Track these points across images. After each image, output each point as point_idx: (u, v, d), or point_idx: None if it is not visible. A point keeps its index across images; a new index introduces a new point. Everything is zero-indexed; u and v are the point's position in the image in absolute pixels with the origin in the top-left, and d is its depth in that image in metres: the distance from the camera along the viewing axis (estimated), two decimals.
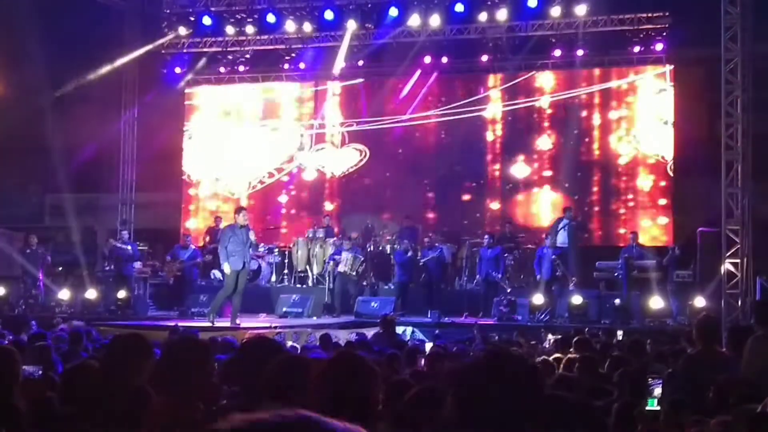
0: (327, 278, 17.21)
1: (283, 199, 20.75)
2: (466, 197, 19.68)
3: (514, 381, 2.09)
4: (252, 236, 13.33)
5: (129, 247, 17.23)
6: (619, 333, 11.48)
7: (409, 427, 3.23)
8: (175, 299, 16.99)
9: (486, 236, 16.72)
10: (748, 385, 5.05)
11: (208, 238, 18.79)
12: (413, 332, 14.11)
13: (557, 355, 8.35)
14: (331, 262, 16.77)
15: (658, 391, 3.20)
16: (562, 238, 16.32)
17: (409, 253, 16.50)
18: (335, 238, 17.76)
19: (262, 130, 20.96)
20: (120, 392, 3.63)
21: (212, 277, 17.54)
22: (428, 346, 10.28)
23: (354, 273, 16.49)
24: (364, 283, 17.13)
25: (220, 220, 18.48)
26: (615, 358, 7.23)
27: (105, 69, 19.54)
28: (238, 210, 13.83)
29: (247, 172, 20.92)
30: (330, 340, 9.95)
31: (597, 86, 19.09)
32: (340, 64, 19.45)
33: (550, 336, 11.96)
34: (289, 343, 10.10)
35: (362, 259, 16.78)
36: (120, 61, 19.74)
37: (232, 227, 13.61)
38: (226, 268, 13.34)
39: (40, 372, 5.31)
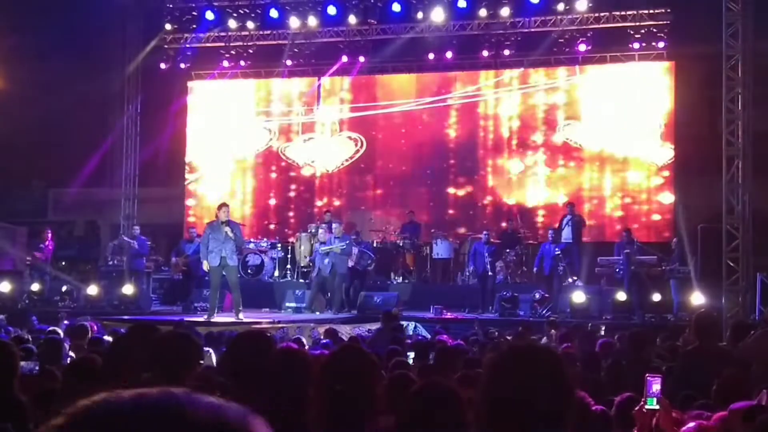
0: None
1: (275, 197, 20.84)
2: (466, 192, 19.70)
3: (541, 375, 2.10)
4: (230, 232, 12.89)
5: (135, 243, 17.10)
6: (603, 328, 11.58)
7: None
8: (179, 294, 16.98)
9: (484, 232, 16.72)
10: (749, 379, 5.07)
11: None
12: (416, 327, 14.12)
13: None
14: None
15: (656, 387, 3.22)
16: (566, 234, 16.41)
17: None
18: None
19: (262, 124, 20.98)
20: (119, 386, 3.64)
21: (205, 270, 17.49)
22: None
23: (360, 268, 16.45)
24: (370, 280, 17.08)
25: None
26: (615, 354, 7.27)
27: (107, 63, 19.59)
28: (219, 206, 13.59)
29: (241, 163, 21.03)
30: (337, 334, 9.99)
31: (598, 82, 19.12)
32: None
33: (552, 331, 11.98)
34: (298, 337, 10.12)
35: (372, 255, 16.75)
36: (122, 56, 19.78)
37: (211, 224, 13.50)
38: (205, 265, 13.32)
39: (37, 368, 5.30)
